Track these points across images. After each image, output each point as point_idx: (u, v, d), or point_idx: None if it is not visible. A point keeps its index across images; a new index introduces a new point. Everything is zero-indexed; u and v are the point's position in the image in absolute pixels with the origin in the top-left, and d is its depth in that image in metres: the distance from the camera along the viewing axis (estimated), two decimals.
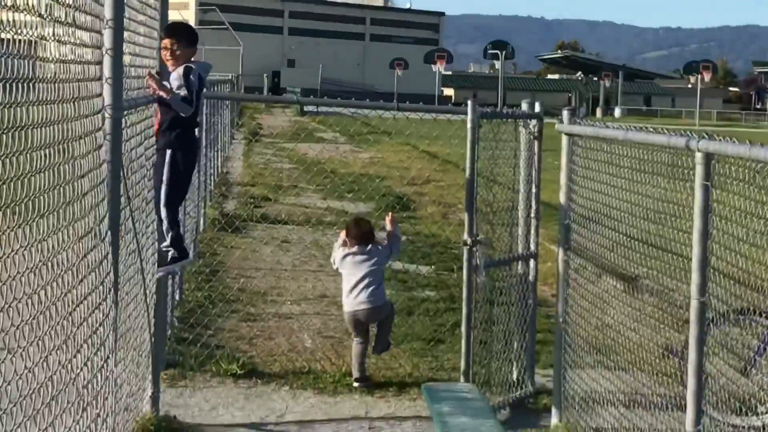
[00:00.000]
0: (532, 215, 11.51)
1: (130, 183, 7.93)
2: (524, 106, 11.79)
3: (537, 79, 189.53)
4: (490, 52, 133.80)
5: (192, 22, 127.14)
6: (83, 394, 6.02)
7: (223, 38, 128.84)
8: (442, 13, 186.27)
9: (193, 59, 9.83)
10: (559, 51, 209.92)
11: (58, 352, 5.27)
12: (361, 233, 12.57)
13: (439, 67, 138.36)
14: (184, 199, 10.65)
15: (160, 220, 9.86)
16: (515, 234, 11.63)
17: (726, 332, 8.22)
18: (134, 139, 8.60)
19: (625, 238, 9.32)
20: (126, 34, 7.51)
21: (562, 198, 10.56)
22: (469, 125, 10.99)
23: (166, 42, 9.64)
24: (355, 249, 12.46)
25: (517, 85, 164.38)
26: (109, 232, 6.77)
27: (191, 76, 9.42)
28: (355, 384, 12.13)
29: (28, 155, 4.56)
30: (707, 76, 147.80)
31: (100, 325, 6.45)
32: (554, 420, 10.44)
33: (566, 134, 10.45)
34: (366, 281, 12.30)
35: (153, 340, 9.91)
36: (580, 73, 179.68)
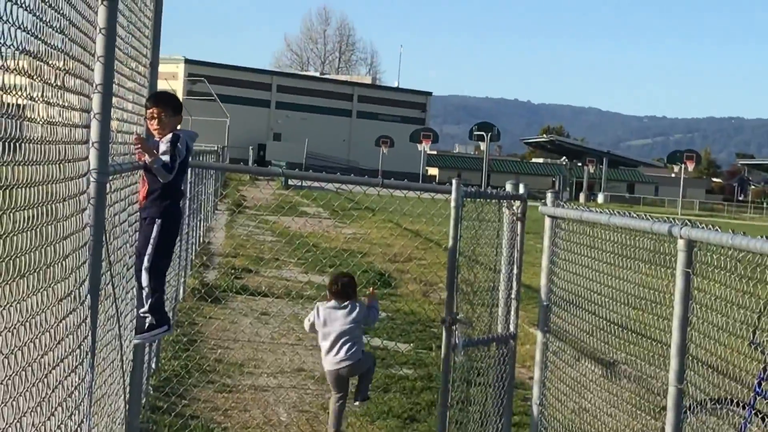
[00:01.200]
0: (513, 296, 11.51)
1: (111, 248, 7.93)
2: (508, 187, 11.81)
3: (522, 162, 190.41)
4: (475, 133, 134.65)
5: (180, 92, 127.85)
6: None
7: (210, 109, 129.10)
8: (429, 93, 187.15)
9: (179, 127, 9.86)
10: (545, 135, 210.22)
11: (32, 414, 5.25)
12: (341, 287, 12.67)
13: (425, 147, 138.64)
14: (168, 267, 10.61)
15: (141, 287, 9.84)
16: (495, 314, 11.63)
17: (703, 420, 8.21)
18: (118, 204, 8.61)
19: (605, 322, 9.33)
20: (114, 99, 7.53)
21: (543, 280, 10.59)
22: (452, 204, 11.01)
23: (153, 110, 9.64)
24: (333, 303, 12.55)
25: (501, 167, 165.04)
26: (89, 296, 6.75)
27: (179, 144, 9.44)
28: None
29: (11, 214, 4.55)
30: (691, 166, 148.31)
31: (75, 388, 6.41)
32: None
33: (549, 216, 10.49)
34: (345, 338, 12.44)
35: (127, 407, 9.88)
36: (564, 158, 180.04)
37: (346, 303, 12.93)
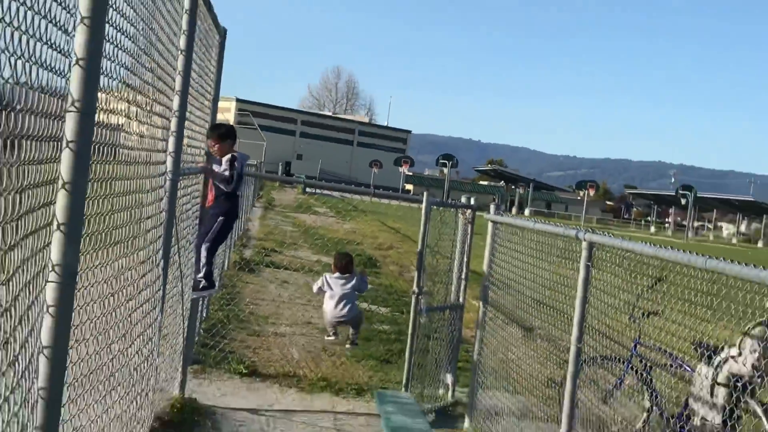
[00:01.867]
0: (462, 277, 11.55)
1: (179, 228, 7.92)
2: (463, 200, 11.84)
3: (472, 183, 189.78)
4: (440, 161, 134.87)
5: (231, 121, 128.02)
6: (133, 375, 5.99)
7: (253, 135, 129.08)
8: (409, 131, 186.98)
9: (236, 148, 10.08)
10: (489, 165, 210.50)
11: (118, 342, 5.25)
12: (343, 263, 12.78)
13: (404, 169, 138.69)
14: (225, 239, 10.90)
15: (198, 259, 9.90)
16: (449, 289, 11.67)
17: (594, 371, 8.23)
18: (185, 198, 8.59)
19: (527, 298, 9.34)
20: (186, 123, 7.52)
21: (484, 267, 10.60)
22: (423, 210, 11.05)
23: (209, 141, 9.86)
24: (338, 275, 12.64)
25: (458, 187, 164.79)
26: (162, 260, 6.76)
27: (235, 163, 9.66)
28: (330, 338, 13.03)
29: (111, 199, 4.55)
30: (592, 192, 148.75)
31: (149, 326, 6.42)
32: (466, 424, 10.42)
33: (491, 221, 10.51)
34: (345, 300, 12.54)
35: (185, 342, 9.86)
36: (502, 182, 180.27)
37: (347, 275, 13.00)
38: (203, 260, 10.01)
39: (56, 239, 3.28)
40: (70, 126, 3.26)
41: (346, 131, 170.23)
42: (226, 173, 9.79)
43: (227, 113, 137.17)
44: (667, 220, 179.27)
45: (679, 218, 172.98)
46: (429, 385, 11.37)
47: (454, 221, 11.62)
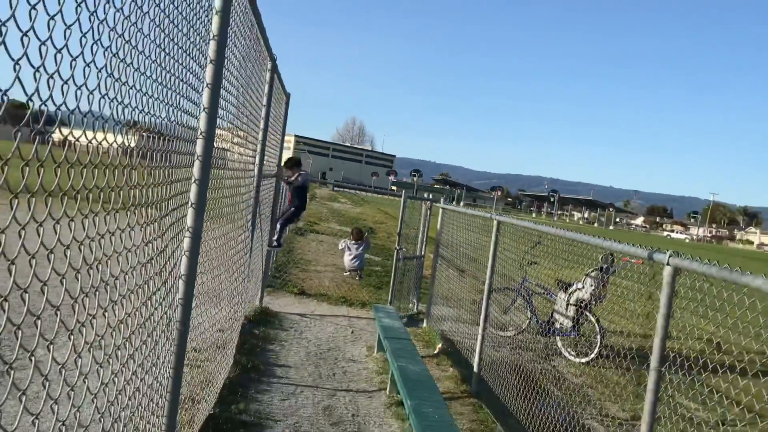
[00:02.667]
0: (423, 240, 11.51)
1: (261, 208, 7.88)
2: (425, 196, 11.81)
3: (431, 187, 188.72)
4: (412, 173, 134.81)
5: (292, 148, 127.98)
6: (233, 294, 5.97)
7: (304, 156, 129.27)
8: (394, 155, 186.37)
9: (301, 170, 10.24)
10: (440, 176, 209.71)
11: (227, 273, 5.22)
12: (357, 233, 12.96)
13: (391, 178, 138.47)
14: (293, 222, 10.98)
15: (273, 229, 9.91)
16: (416, 247, 11.63)
17: (499, 296, 8.21)
18: (264, 192, 8.55)
19: (461, 253, 9.32)
20: (266, 148, 7.49)
21: (437, 234, 10.57)
22: (402, 201, 11.01)
23: (288, 166, 10.08)
24: (353, 241, 12.78)
25: (422, 188, 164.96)
26: (251, 227, 6.72)
27: (299, 178, 9.95)
28: (346, 273, 13.50)
29: (221, 191, 4.53)
30: (499, 193, 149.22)
31: (242, 264, 6.39)
32: (424, 324, 10.38)
33: (442, 209, 10.47)
34: (358, 256, 12.60)
35: (263, 275, 9.84)
36: (448, 186, 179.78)
37: (359, 241, 13.01)
38: (278, 230, 10.04)
39: (189, 212, 3.27)
40: (199, 146, 3.24)
41: (358, 154, 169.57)
42: (298, 183, 10.01)
43: (289, 143, 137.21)
44: (541, 210, 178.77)
45: (548, 209, 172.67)
46: (403, 301, 11.35)
47: (420, 209, 11.58)
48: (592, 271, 9.62)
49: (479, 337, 7.30)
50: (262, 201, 7.94)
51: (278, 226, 10.09)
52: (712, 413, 7.04)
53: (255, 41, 5.31)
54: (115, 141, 2.06)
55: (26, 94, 1.48)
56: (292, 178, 10.15)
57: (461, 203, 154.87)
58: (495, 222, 7.14)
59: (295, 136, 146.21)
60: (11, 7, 1.37)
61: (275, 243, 10.17)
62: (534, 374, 7.39)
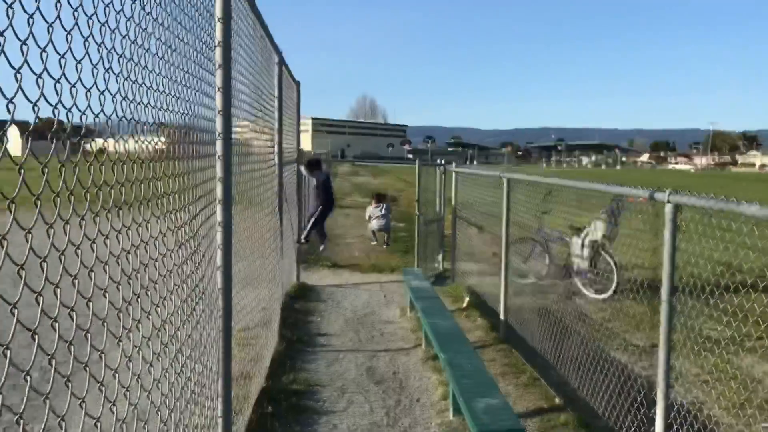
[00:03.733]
0: (443, 203, 11.50)
1: (285, 192, 7.92)
2: (439, 161, 11.75)
3: (444, 150, 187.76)
4: (425, 139, 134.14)
5: (309, 133, 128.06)
6: (271, 273, 6.04)
7: (323, 136, 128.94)
8: (406, 125, 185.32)
9: (322, 169, 10.35)
10: (452, 140, 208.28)
11: (261, 258, 5.29)
12: (378, 198, 13.12)
13: (406, 147, 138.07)
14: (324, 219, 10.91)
15: (301, 229, 10.00)
16: (436, 209, 11.63)
17: (518, 246, 8.21)
18: (286, 175, 8.59)
19: (478, 212, 9.30)
20: (285, 138, 7.50)
21: (452, 196, 10.55)
22: (417, 168, 10.98)
23: (308, 166, 10.16)
24: (376, 204, 12.94)
25: (437, 153, 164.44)
26: (277, 213, 6.77)
27: (319, 177, 10.24)
28: (373, 243, 13.68)
29: (247, 184, 4.56)
30: (509, 149, 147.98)
31: (275, 247, 6.45)
32: (452, 281, 10.43)
33: (455, 172, 10.43)
34: (383, 217, 12.77)
35: (297, 252, 9.92)
36: (461, 148, 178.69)
37: (380, 204, 13.06)
38: (307, 228, 10.06)
39: (218, 208, 3.31)
40: (218, 146, 3.26)
41: (372, 128, 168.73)
42: (320, 179, 10.44)
43: (307, 126, 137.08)
44: (550, 159, 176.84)
45: (557, 158, 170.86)
46: (429, 262, 11.39)
47: (435, 173, 11.54)
48: (603, 213, 9.60)
49: (502, 287, 7.33)
50: (286, 185, 7.97)
51: (308, 226, 10.07)
52: (728, 328, 7.01)
53: (260, 39, 5.29)
54: (148, 144, 2.08)
55: (50, 104, 1.51)
56: (317, 177, 10.17)
57: (474, 162, 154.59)
58: (505, 180, 7.10)
59: (312, 118, 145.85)
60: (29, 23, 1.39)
61: (302, 241, 10.16)
62: (557, 315, 7.39)
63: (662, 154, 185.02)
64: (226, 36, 3.19)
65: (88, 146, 1.91)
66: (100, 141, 1.97)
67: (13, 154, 1.39)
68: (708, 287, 4.06)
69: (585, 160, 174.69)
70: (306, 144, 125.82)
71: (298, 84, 9.98)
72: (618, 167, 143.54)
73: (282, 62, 6.63)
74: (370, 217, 13.75)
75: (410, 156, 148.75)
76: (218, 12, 3.17)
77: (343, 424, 5.08)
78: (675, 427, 3.72)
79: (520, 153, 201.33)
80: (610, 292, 9.35)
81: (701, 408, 5.25)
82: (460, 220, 10.28)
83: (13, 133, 1.46)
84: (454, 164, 10.52)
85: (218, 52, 3.18)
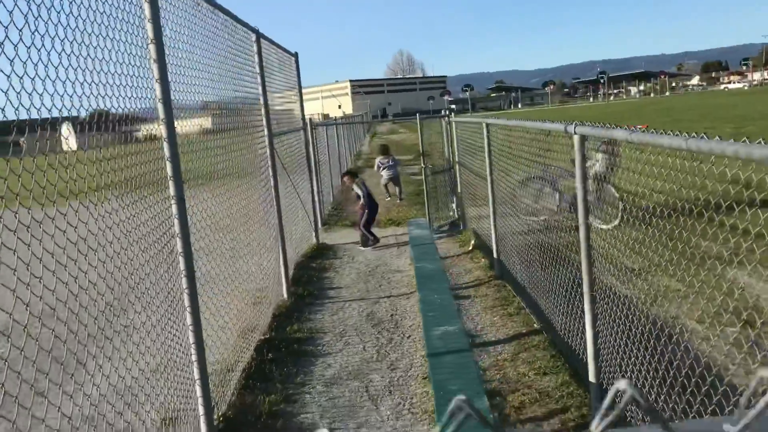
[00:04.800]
0: (451, 153, 11.77)
1: (283, 161, 8.33)
2: (444, 112, 11.98)
3: (487, 96, 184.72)
4: (463, 88, 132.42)
5: (348, 92, 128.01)
6: (270, 239, 6.54)
7: (362, 97, 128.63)
8: (445, 76, 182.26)
9: (359, 180, 10.45)
10: (495, 84, 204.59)
11: (257, 224, 5.79)
12: (383, 149, 13.60)
13: (447, 97, 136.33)
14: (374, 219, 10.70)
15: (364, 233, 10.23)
16: (444, 159, 11.93)
17: (527, 186, 8.46)
18: (285, 146, 9.00)
19: (479, 159, 9.58)
20: (271, 111, 7.84)
21: (455, 146, 10.78)
22: (419, 124, 11.26)
23: (346, 176, 10.56)
24: (381, 157, 13.49)
25: (478, 101, 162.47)
26: (272, 179, 7.20)
27: (363, 186, 10.15)
28: (387, 199, 13.94)
29: (228, 155, 5.03)
30: (552, 87, 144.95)
31: (270, 212, 6.92)
32: (463, 227, 10.77)
33: (454, 122, 10.64)
34: (392, 167, 13.16)
35: (314, 216, 10.42)
36: (504, 92, 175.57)
37: (388, 156, 13.52)
38: (365, 234, 10.10)
39: (170, 183, 3.81)
40: (163, 130, 3.76)
41: (411, 83, 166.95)
42: (359, 193, 10.14)
43: (344, 90, 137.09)
44: (597, 93, 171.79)
45: (604, 91, 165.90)
46: (442, 211, 11.73)
47: (441, 124, 11.80)
48: (601, 145, 9.79)
49: (492, 228, 7.70)
50: (284, 155, 8.40)
51: (363, 231, 10.11)
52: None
53: (223, 23, 5.73)
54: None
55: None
56: (356, 190, 10.16)
57: (519, 105, 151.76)
58: (484, 125, 7.41)
59: (350, 81, 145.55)
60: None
61: (370, 243, 10.15)
62: (553, 248, 7.71)
63: (713, 74, 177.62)
64: (158, 33, 3.66)
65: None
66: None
67: None
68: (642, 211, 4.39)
69: (633, 89, 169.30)
70: (347, 107, 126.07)
71: (295, 55, 10.37)
72: (667, 93, 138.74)
73: (259, 39, 7.04)
74: (379, 167, 14.19)
75: (453, 107, 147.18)
76: (147, 13, 3.64)
77: (336, 363, 5.65)
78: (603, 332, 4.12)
79: (567, 90, 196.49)
80: (616, 221, 9.60)
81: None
82: (462, 168, 10.58)
83: None
84: (453, 114, 10.77)
85: (152, 48, 3.66)
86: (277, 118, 8.00)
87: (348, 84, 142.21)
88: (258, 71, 7.06)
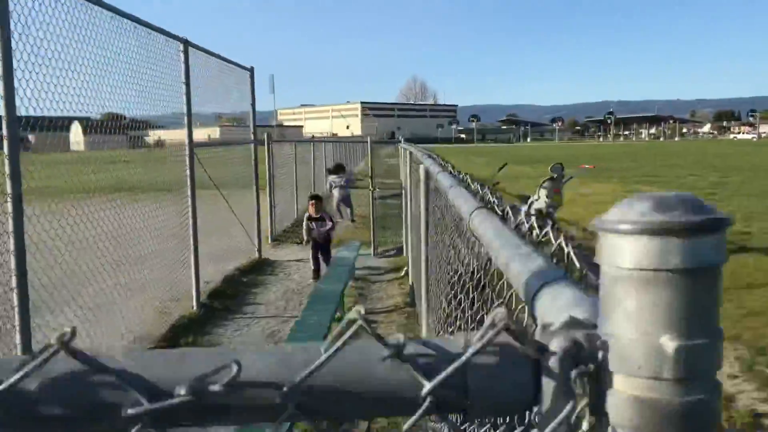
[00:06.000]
0: (407, 177, 11.72)
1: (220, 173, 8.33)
2: (398, 139, 11.98)
3: (497, 129, 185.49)
4: (470, 118, 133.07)
5: (359, 114, 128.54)
6: (222, 249, 6.49)
7: (371, 121, 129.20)
8: (456, 105, 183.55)
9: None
10: (507, 116, 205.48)
11: (209, 235, 5.75)
12: (336, 167, 13.36)
13: (454, 126, 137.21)
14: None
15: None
16: (398, 185, 11.76)
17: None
18: (214, 159, 8.97)
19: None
20: (194, 131, 7.87)
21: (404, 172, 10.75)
22: (368, 146, 11.24)
23: (313, 202, 9.27)
24: (335, 175, 13.42)
25: (485, 132, 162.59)
26: (190, 198, 7.18)
27: (329, 221, 9.33)
28: (338, 220, 12.51)
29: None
30: (560, 124, 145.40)
31: (182, 229, 6.88)
32: (406, 253, 10.65)
33: (403, 148, 10.62)
34: (344, 187, 13.24)
35: (257, 233, 10.35)
36: (514, 126, 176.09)
37: (342, 174, 13.38)
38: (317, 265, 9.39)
39: (7, 179, 3.79)
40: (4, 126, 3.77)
41: (422, 110, 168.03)
42: (329, 226, 9.18)
43: (354, 111, 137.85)
44: (608, 133, 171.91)
45: (615, 131, 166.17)
46: (392, 235, 11.63)
47: (395, 150, 11.75)
48: (545, 182, 9.82)
49: (409, 254, 7.69)
50: (233, 162, 8.40)
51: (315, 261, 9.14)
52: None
53: (146, 35, 5.81)
54: None
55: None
56: (328, 223, 9.01)
57: (528, 139, 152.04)
58: (402, 149, 7.43)
59: (361, 102, 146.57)
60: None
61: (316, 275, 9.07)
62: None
63: (725, 123, 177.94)
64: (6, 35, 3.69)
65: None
66: None
67: None
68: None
69: (644, 132, 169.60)
70: (355, 128, 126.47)
71: (251, 70, 10.44)
72: (677, 138, 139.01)
73: (187, 50, 7.08)
74: (331, 185, 13.48)
75: (463, 136, 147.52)
76: None
77: None
78: None
79: (578, 128, 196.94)
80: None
81: None
82: (405, 192, 10.55)
83: None
84: (402, 140, 10.81)
85: None
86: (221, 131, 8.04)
87: (359, 105, 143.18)
88: (184, 81, 7.11)
